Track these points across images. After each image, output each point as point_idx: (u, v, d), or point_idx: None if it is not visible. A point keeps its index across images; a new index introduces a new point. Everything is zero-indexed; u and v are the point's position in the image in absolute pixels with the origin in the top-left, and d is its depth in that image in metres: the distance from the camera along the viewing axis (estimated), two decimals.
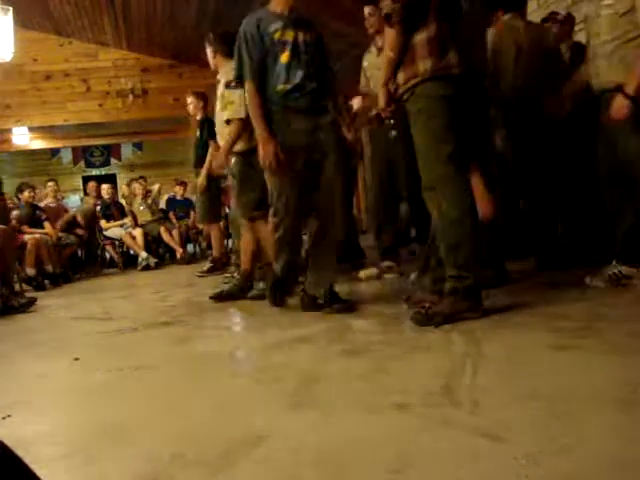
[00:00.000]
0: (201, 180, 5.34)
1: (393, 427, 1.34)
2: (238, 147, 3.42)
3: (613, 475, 1.04)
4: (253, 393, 1.76)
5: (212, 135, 5.39)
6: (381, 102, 2.51)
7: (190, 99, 5.54)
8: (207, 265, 5.54)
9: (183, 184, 8.39)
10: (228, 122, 3.42)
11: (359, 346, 2.14)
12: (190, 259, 7.44)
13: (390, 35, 2.36)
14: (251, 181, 3.37)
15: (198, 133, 5.49)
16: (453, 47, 2.30)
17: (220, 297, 3.59)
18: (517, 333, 2.08)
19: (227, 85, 3.45)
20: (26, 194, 6.35)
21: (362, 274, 3.78)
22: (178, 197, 8.25)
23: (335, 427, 1.38)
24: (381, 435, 1.30)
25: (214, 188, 5.51)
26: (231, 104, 3.37)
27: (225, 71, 3.56)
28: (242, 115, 3.25)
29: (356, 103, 7.39)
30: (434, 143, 2.34)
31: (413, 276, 3.44)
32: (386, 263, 3.80)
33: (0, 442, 0.72)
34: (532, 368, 1.67)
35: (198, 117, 5.54)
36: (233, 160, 3.47)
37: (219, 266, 5.50)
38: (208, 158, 5.30)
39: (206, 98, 5.58)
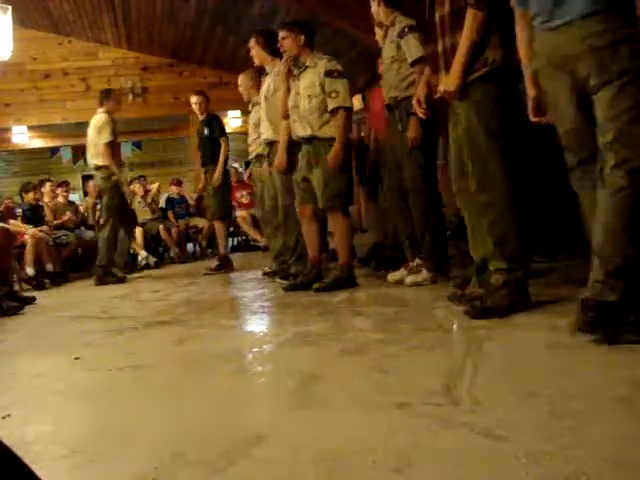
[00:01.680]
0: (217, 176, 5.32)
1: (393, 427, 1.34)
2: (329, 134, 3.52)
3: (613, 475, 1.04)
4: (253, 393, 1.76)
5: (223, 132, 5.42)
6: (453, 85, 2.37)
7: (195, 98, 5.53)
8: (215, 263, 5.52)
9: (179, 183, 8.38)
10: (332, 112, 3.49)
11: (359, 345, 2.13)
12: (186, 258, 7.42)
13: (478, 19, 2.27)
14: (339, 170, 3.48)
15: (207, 131, 5.47)
16: (514, 38, 2.27)
17: (294, 287, 3.60)
18: (517, 332, 2.08)
19: (328, 74, 3.50)
20: (30, 195, 6.37)
21: (390, 277, 3.55)
22: (175, 196, 8.26)
23: (335, 427, 1.38)
24: (381, 434, 1.30)
25: (227, 185, 5.51)
26: (336, 93, 3.47)
27: (316, 61, 3.60)
28: (349, 104, 3.49)
29: (356, 104, 7.39)
30: (492, 136, 2.34)
31: (408, 280, 3.40)
32: (416, 262, 3.51)
33: (0, 442, 0.72)
34: (532, 367, 1.67)
35: (203, 116, 5.54)
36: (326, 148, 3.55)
37: (226, 263, 5.48)
38: (222, 155, 5.30)
39: (207, 97, 5.61)
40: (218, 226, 5.64)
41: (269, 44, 4.11)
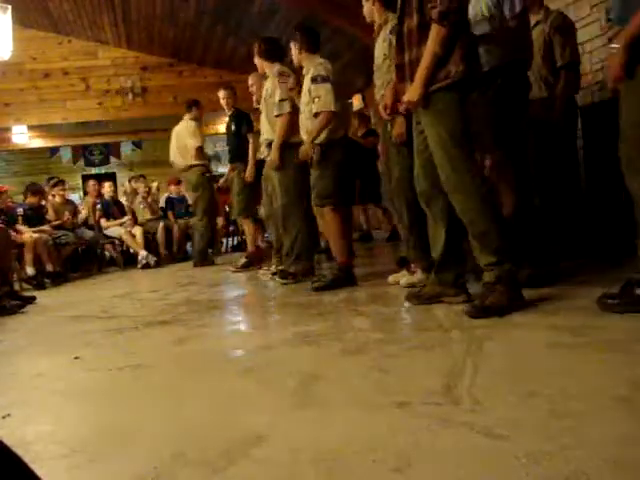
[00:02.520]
0: (249, 173, 5.29)
1: (393, 426, 1.34)
2: (320, 138, 3.64)
3: (613, 475, 1.04)
4: (253, 393, 1.76)
5: (251, 127, 5.39)
6: (416, 95, 2.45)
7: (223, 93, 5.52)
8: (242, 260, 5.47)
9: (179, 183, 8.37)
10: (316, 115, 3.61)
11: (359, 345, 2.13)
12: (179, 258, 7.42)
13: (441, 34, 2.34)
14: (327, 170, 3.64)
15: (234, 127, 5.44)
16: (475, 53, 2.41)
17: (324, 287, 3.59)
18: (517, 332, 2.08)
19: (313, 80, 3.62)
20: (36, 198, 6.38)
21: (391, 279, 3.53)
22: (175, 195, 8.25)
23: (335, 426, 1.38)
24: (381, 434, 1.30)
25: (257, 182, 5.49)
26: (318, 98, 3.59)
27: (310, 66, 3.70)
28: (331, 108, 3.57)
29: (356, 103, 7.39)
30: (457, 144, 2.40)
31: (403, 281, 3.38)
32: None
33: (0, 442, 0.72)
34: (532, 367, 1.67)
35: (230, 111, 5.52)
36: (315, 149, 3.67)
37: (254, 261, 5.44)
38: (251, 150, 5.28)
39: (235, 91, 5.62)
40: (245, 223, 5.62)
41: (266, 51, 4.26)
